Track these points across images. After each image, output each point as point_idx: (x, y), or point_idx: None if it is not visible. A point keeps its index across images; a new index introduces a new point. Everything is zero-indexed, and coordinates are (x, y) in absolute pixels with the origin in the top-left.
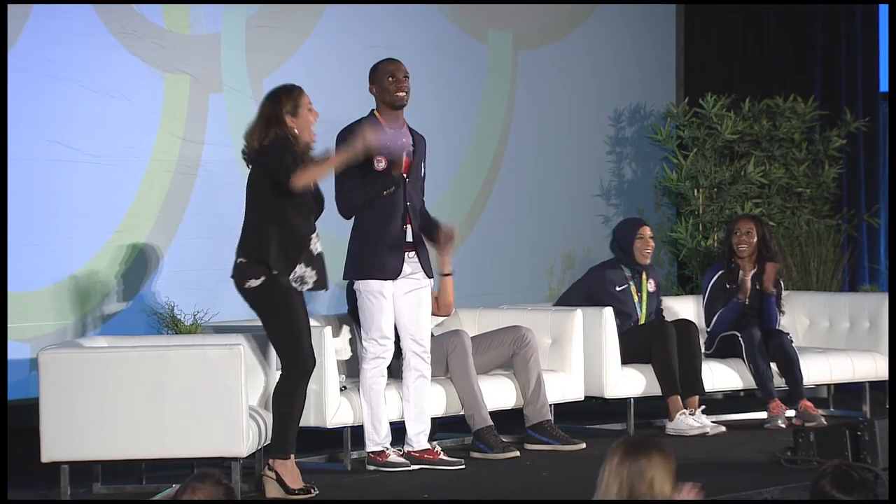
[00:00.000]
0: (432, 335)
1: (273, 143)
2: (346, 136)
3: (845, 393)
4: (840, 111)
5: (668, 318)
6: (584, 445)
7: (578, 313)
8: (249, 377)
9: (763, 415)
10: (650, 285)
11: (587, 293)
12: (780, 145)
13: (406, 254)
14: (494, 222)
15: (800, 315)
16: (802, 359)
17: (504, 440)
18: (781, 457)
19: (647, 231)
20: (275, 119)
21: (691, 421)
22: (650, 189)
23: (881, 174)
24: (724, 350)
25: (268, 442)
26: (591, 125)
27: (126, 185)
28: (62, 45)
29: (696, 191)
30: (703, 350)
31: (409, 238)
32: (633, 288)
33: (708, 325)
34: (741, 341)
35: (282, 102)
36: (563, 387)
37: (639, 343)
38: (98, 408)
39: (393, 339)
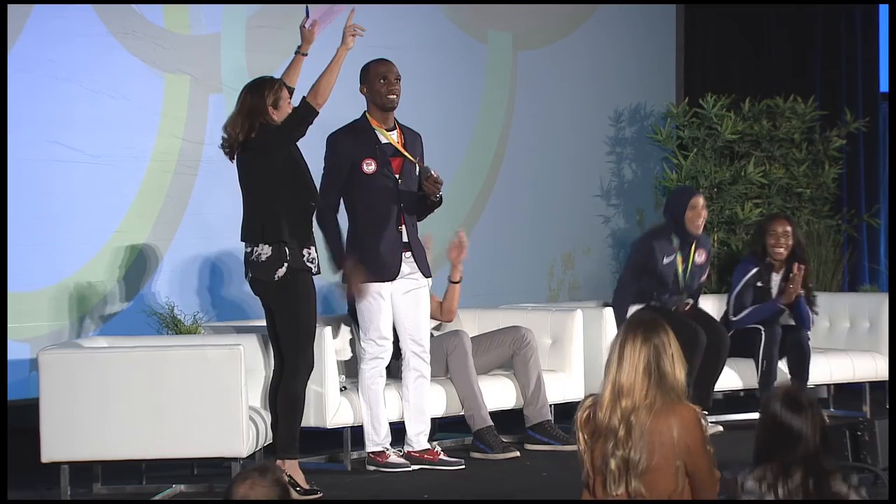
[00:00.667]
0: (432, 335)
1: (267, 125)
2: (336, 138)
3: (845, 393)
4: (840, 111)
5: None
6: None
7: (578, 313)
8: (249, 377)
9: None
10: (699, 255)
11: (642, 268)
12: (780, 145)
13: (402, 254)
14: (494, 222)
15: None
16: None
17: (504, 440)
18: None
19: (699, 201)
20: (258, 111)
21: None
22: (650, 189)
23: (881, 174)
24: (736, 341)
25: (268, 442)
26: (591, 125)
27: (126, 186)
28: (62, 45)
29: None
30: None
31: (405, 239)
32: (679, 258)
33: (733, 315)
34: (762, 335)
35: (265, 95)
36: (563, 387)
37: None
38: (98, 408)
39: (391, 339)
